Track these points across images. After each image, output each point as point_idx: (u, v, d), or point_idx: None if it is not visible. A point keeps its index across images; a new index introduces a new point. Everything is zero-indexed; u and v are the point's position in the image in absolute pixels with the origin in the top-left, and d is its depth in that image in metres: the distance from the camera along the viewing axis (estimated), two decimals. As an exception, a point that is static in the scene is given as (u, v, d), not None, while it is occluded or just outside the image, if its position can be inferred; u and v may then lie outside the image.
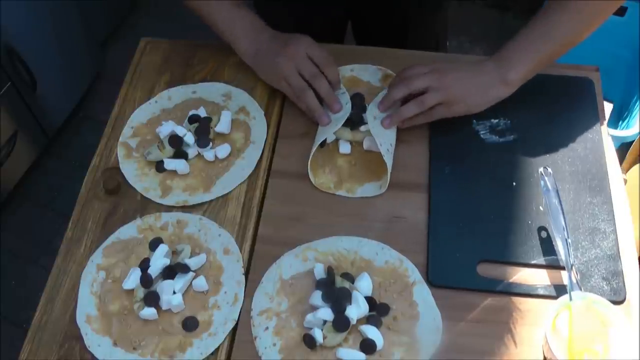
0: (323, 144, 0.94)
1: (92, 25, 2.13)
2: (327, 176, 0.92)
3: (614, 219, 0.86)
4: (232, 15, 0.98)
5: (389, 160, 0.89)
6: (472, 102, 0.91)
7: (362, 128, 0.94)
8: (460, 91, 0.90)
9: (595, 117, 0.96)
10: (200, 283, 0.82)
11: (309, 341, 0.77)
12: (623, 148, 1.60)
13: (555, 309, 0.75)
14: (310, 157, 0.90)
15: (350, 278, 0.81)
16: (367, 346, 0.77)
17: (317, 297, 0.79)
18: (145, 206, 0.91)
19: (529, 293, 0.81)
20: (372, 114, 0.93)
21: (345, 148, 0.94)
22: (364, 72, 1.02)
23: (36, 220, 1.94)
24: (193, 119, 0.97)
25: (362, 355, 0.76)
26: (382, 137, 0.90)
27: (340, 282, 0.80)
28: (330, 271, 0.81)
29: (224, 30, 0.99)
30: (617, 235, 0.85)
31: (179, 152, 0.94)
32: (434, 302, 0.80)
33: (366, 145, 0.93)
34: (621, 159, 1.44)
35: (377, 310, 0.79)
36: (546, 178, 0.85)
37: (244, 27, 0.98)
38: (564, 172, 0.91)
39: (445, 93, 0.89)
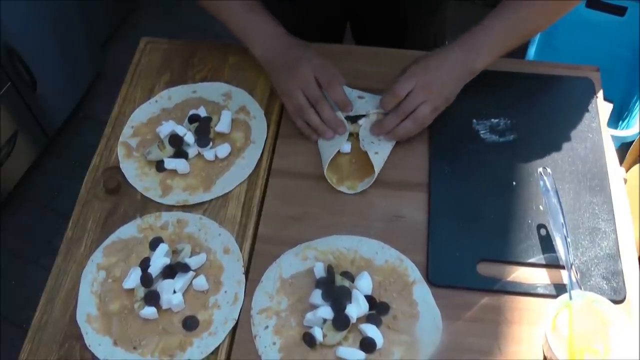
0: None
1: (93, 25, 2.13)
2: (328, 172, 0.92)
3: (614, 218, 0.86)
4: (244, 19, 0.97)
5: (377, 163, 0.90)
6: (451, 97, 0.92)
7: (361, 121, 0.94)
8: (445, 94, 0.91)
9: (595, 117, 0.96)
10: (201, 282, 0.82)
11: (308, 340, 0.77)
12: (623, 148, 1.60)
13: (555, 308, 0.75)
14: (325, 171, 0.91)
15: (350, 277, 0.81)
16: (367, 345, 0.77)
17: (317, 295, 0.79)
18: (146, 206, 0.91)
19: (528, 292, 0.81)
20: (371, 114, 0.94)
21: (345, 147, 0.94)
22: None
23: (36, 220, 1.94)
24: (193, 119, 0.97)
25: (361, 354, 0.76)
26: (370, 147, 0.91)
27: (340, 280, 0.80)
28: (330, 270, 0.81)
29: (237, 34, 0.98)
30: (617, 234, 0.85)
31: (179, 151, 0.94)
32: (433, 301, 0.80)
33: (362, 146, 0.93)
34: (621, 159, 1.44)
35: (377, 309, 0.79)
36: (545, 178, 0.85)
37: (256, 33, 0.97)
38: (564, 171, 0.91)
39: (434, 103, 0.90)
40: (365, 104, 0.94)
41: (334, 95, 0.92)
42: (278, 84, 0.96)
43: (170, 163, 0.93)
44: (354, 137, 0.95)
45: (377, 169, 0.90)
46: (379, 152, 0.91)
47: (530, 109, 0.97)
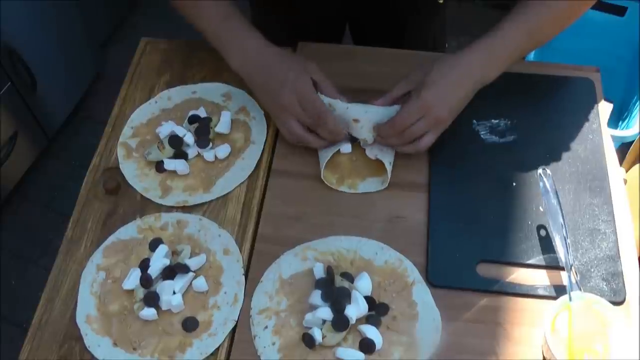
0: None
1: (92, 25, 2.13)
2: (328, 172, 0.92)
3: (614, 219, 0.86)
4: (219, 27, 0.93)
5: (390, 172, 0.90)
6: (457, 114, 0.89)
7: (359, 140, 0.93)
8: (452, 116, 0.88)
9: (595, 117, 0.96)
10: (200, 283, 0.82)
11: (308, 340, 0.77)
12: (623, 148, 1.60)
13: (555, 309, 0.75)
14: (322, 172, 0.90)
15: (350, 277, 0.81)
16: (366, 346, 0.77)
17: (316, 296, 0.79)
18: (145, 206, 0.91)
19: (528, 293, 0.81)
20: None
21: (346, 148, 0.94)
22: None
23: (36, 220, 1.94)
24: (193, 119, 0.97)
25: (361, 354, 0.76)
26: (383, 157, 0.91)
27: (339, 281, 0.80)
28: (329, 270, 0.81)
29: (212, 42, 0.94)
30: (617, 235, 0.85)
31: (179, 152, 0.94)
32: (433, 302, 0.80)
33: (372, 155, 0.93)
34: (621, 159, 1.44)
35: (377, 310, 0.79)
36: (545, 179, 0.85)
37: (232, 44, 0.92)
38: (564, 172, 0.91)
39: (441, 131, 0.88)
40: (361, 130, 0.90)
41: (323, 133, 0.89)
42: (265, 106, 0.95)
43: (170, 164, 0.93)
44: (354, 144, 0.94)
45: (389, 178, 0.90)
46: (392, 162, 0.91)
47: (530, 110, 0.97)
